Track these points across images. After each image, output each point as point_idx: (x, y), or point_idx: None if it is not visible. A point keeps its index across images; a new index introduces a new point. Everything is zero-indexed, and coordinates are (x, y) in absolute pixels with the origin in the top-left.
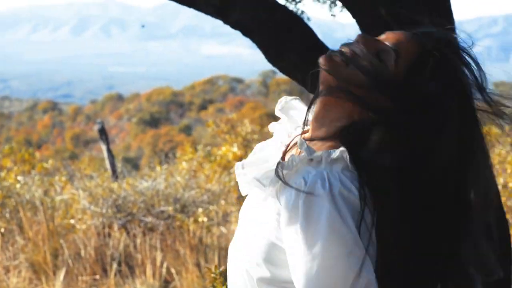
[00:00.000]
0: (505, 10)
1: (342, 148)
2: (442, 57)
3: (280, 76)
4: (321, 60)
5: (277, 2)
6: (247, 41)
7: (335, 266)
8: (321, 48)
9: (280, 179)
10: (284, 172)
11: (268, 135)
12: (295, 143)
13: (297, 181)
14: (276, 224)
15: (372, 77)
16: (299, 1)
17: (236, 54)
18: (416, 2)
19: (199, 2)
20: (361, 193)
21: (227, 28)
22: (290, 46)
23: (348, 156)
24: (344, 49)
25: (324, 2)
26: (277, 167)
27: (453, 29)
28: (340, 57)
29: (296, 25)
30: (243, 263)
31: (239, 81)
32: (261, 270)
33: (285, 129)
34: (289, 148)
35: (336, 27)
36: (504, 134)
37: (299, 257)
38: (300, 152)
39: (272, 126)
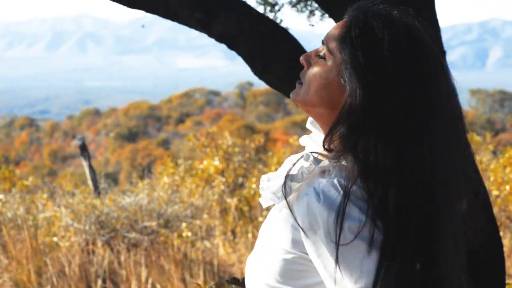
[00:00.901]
0: (480, 18)
1: (349, 157)
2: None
3: (257, 87)
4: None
5: (262, 14)
6: (222, 53)
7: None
8: None
9: (283, 193)
10: (293, 184)
11: (249, 148)
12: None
13: (308, 192)
14: (291, 235)
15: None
16: (278, 10)
17: (211, 67)
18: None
19: (182, 15)
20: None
21: (202, 40)
22: (275, 58)
23: (351, 164)
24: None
25: (303, 12)
26: (285, 179)
27: (438, 35)
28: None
29: (281, 36)
30: (263, 277)
31: (216, 93)
32: (282, 285)
33: (316, 141)
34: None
35: (312, 38)
36: (485, 142)
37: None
38: (310, 164)
39: (303, 139)
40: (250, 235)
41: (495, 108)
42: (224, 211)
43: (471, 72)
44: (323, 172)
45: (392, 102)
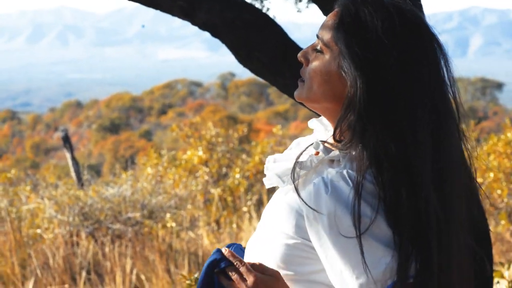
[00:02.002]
0: (460, 6)
1: (359, 147)
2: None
3: (239, 78)
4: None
5: (245, 1)
6: (203, 44)
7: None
8: (292, 47)
9: (292, 178)
10: (302, 172)
11: (232, 138)
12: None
13: (316, 181)
14: (295, 221)
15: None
16: None
17: (193, 58)
18: None
19: (164, 3)
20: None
21: (183, 31)
22: (259, 46)
23: (360, 154)
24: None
25: None
26: (294, 166)
27: None
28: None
29: (266, 24)
30: (264, 261)
31: (198, 84)
32: (284, 270)
33: (325, 126)
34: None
35: (293, 28)
36: (469, 129)
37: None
38: (317, 153)
39: (312, 123)
40: (234, 225)
41: (476, 96)
42: (208, 201)
43: (452, 61)
44: (332, 162)
45: (390, 89)
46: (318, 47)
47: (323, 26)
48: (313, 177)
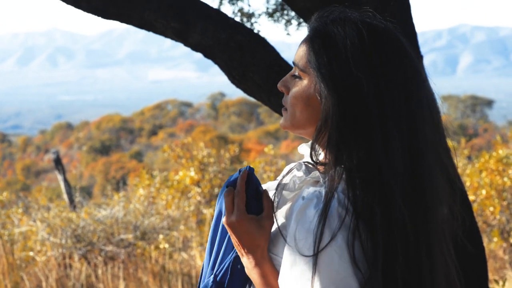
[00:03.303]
0: (449, 24)
1: (338, 168)
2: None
3: (229, 98)
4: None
5: (238, 22)
6: (193, 65)
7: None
8: (285, 66)
9: (275, 202)
10: (286, 193)
11: (224, 158)
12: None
13: (298, 201)
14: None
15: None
16: (255, 22)
17: (183, 78)
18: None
19: (158, 25)
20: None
21: (173, 52)
22: (253, 67)
23: (332, 173)
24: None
25: (279, 21)
26: (277, 187)
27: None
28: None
29: (259, 45)
30: None
31: (188, 105)
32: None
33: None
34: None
35: (283, 47)
36: (460, 147)
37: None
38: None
39: (301, 148)
40: None
41: (466, 113)
42: (201, 222)
43: (441, 79)
44: (317, 182)
45: (362, 107)
46: (296, 73)
47: (298, 52)
48: (296, 197)
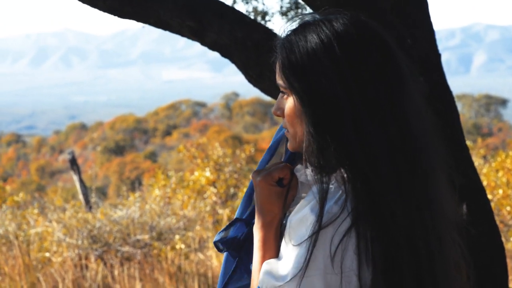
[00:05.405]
0: (463, 23)
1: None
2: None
3: (243, 98)
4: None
5: (255, 21)
6: (207, 65)
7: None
8: None
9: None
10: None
11: (239, 158)
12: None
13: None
14: None
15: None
16: (269, 20)
17: (197, 78)
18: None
19: (174, 24)
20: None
21: (187, 52)
22: (271, 66)
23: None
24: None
25: (294, 20)
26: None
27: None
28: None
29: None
30: None
31: (202, 105)
32: None
33: None
34: None
35: None
36: (476, 147)
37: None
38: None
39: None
40: None
41: (481, 112)
42: (217, 222)
43: (455, 78)
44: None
45: (335, 112)
46: (284, 92)
47: (276, 72)
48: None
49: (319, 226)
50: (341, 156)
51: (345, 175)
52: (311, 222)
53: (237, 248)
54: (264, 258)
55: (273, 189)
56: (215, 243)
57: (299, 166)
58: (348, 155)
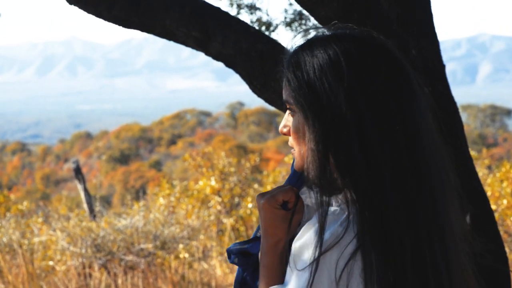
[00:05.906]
0: (468, 33)
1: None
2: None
3: (248, 107)
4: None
5: (259, 31)
6: (212, 74)
7: None
8: None
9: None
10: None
11: (244, 167)
12: None
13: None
14: None
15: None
16: (273, 30)
17: (202, 88)
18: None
19: (179, 34)
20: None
21: (191, 61)
22: (274, 76)
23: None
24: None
25: (297, 31)
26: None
27: (437, 49)
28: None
29: (279, 54)
30: None
31: (207, 114)
32: None
33: None
34: None
35: None
36: (481, 157)
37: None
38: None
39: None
40: None
41: (486, 123)
42: (221, 231)
43: (460, 88)
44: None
45: (339, 130)
46: (292, 109)
47: (284, 89)
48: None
49: (320, 250)
50: (345, 176)
51: (349, 196)
52: (314, 246)
53: (244, 262)
54: (268, 284)
55: (277, 212)
56: (228, 251)
57: (304, 189)
58: (352, 176)
